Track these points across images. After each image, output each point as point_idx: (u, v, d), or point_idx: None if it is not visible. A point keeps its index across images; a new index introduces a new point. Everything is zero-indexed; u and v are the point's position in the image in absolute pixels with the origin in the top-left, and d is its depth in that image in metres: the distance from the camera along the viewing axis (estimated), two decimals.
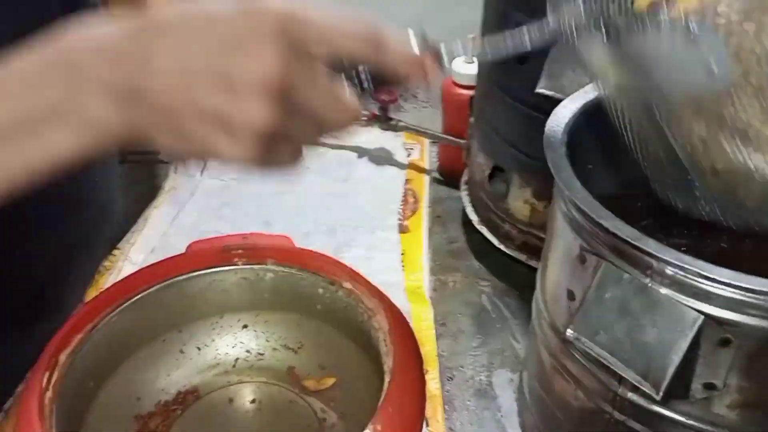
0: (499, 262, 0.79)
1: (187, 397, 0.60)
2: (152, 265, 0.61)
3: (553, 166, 0.45)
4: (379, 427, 0.46)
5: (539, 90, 0.58)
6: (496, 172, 0.75)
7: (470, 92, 0.84)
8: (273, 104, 0.32)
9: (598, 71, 0.42)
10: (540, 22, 0.38)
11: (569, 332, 0.41)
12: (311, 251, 0.62)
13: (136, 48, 0.32)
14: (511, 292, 0.77)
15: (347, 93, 0.35)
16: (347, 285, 0.59)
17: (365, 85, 0.36)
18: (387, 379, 0.50)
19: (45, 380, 0.50)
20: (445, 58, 0.38)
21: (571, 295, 0.45)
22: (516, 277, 0.78)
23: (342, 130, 0.36)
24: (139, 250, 0.81)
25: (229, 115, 0.32)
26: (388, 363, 0.52)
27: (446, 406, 0.63)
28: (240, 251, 0.62)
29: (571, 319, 0.42)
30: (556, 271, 0.49)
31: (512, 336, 0.72)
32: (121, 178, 1.27)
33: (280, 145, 0.34)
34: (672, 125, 0.41)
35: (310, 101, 0.34)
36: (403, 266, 0.78)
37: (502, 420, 0.63)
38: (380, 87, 0.36)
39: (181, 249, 0.64)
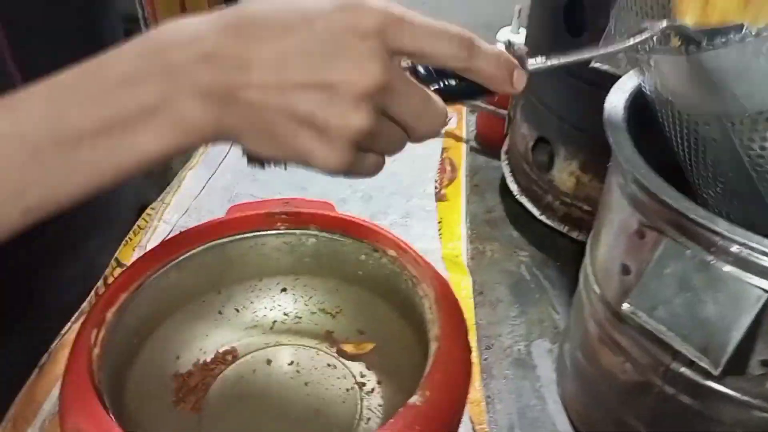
0: (537, 232, 0.79)
1: (226, 357, 0.61)
2: (195, 227, 0.61)
3: (615, 143, 0.44)
4: (428, 393, 0.45)
5: (594, 65, 0.57)
6: (539, 143, 0.74)
7: None
8: (371, 110, 0.31)
9: (669, 84, 0.41)
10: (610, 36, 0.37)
11: (626, 306, 0.40)
12: (354, 218, 0.61)
13: (231, 47, 0.31)
14: (550, 263, 0.76)
15: (437, 99, 0.34)
16: (391, 252, 0.58)
17: (451, 87, 0.35)
18: (434, 346, 0.49)
19: (93, 337, 0.51)
20: (528, 64, 0.36)
21: (625, 270, 0.44)
22: (556, 249, 0.77)
23: (430, 137, 0.35)
24: (173, 211, 0.82)
25: (326, 120, 0.31)
26: (433, 331, 0.51)
27: (484, 375, 0.64)
28: (283, 216, 0.61)
29: (627, 294, 0.42)
30: (609, 245, 0.48)
31: (552, 306, 0.72)
32: None
33: (368, 151, 0.34)
34: (745, 137, 0.40)
35: (403, 107, 0.33)
36: (440, 234, 0.78)
37: (541, 390, 0.63)
38: (464, 96, 0.36)
39: (215, 210, 0.64)
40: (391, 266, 0.59)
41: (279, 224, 0.62)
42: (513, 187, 0.80)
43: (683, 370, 0.42)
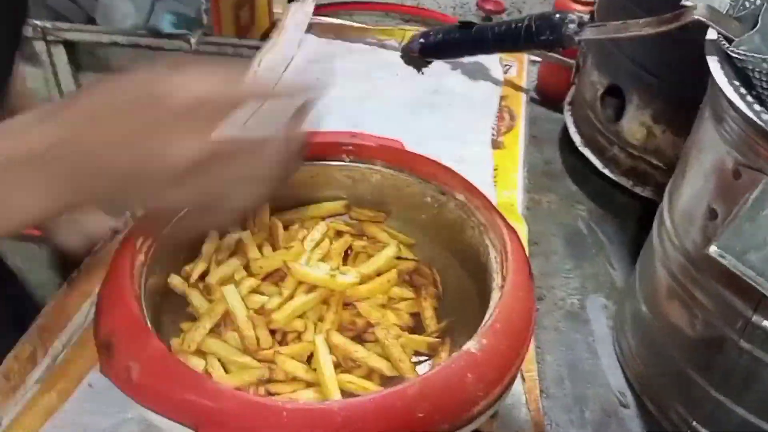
0: (596, 186, 0.78)
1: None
2: None
3: (715, 73, 0.42)
4: (485, 341, 0.44)
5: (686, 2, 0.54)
6: (609, 92, 0.73)
7: (587, 8, 0.81)
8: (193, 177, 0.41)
9: None
10: None
11: (713, 249, 0.39)
12: (425, 157, 0.59)
13: (80, 142, 0.40)
14: (609, 219, 0.76)
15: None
16: (460, 197, 0.57)
17: None
18: (496, 295, 0.48)
19: (139, 243, 0.51)
20: None
21: (713, 214, 0.43)
22: (615, 204, 0.76)
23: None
24: None
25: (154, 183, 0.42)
26: (497, 281, 0.50)
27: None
28: (350, 147, 0.60)
29: (712, 240, 0.41)
30: (695, 189, 0.47)
31: (608, 262, 0.71)
32: None
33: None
34: None
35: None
36: (495, 182, 0.76)
37: (594, 345, 0.63)
38: None
39: None
40: (458, 211, 0.57)
41: (344, 155, 0.60)
42: (576, 138, 0.78)
43: (766, 323, 0.42)
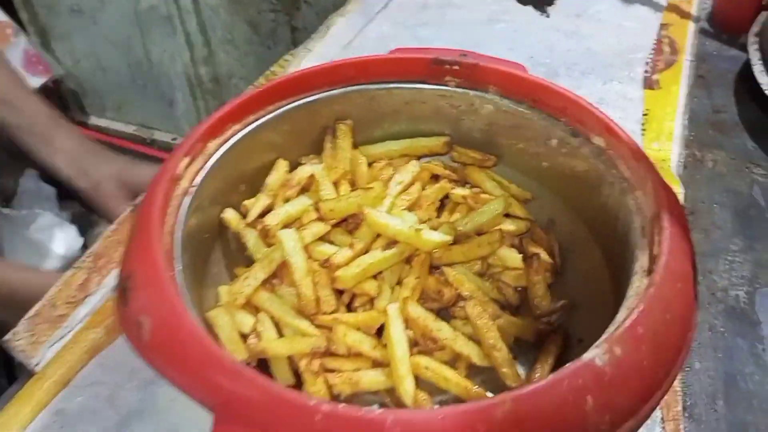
0: None
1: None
2: (338, 62, 0.49)
3: None
4: (618, 351, 0.31)
5: None
6: None
7: None
8: None
9: None
10: None
11: None
12: (554, 86, 0.46)
13: None
14: None
15: None
16: (597, 140, 0.44)
17: None
18: (640, 283, 0.35)
19: (182, 167, 0.41)
20: None
21: None
22: None
23: None
24: (315, 58, 0.74)
25: None
26: (642, 262, 0.37)
27: None
28: (456, 68, 0.48)
29: None
30: None
31: None
32: None
33: None
34: None
35: None
36: (643, 129, 0.63)
37: (762, 355, 0.48)
38: None
39: None
40: (594, 161, 0.44)
41: (448, 78, 0.48)
42: (763, 79, 0.61)
43: None
